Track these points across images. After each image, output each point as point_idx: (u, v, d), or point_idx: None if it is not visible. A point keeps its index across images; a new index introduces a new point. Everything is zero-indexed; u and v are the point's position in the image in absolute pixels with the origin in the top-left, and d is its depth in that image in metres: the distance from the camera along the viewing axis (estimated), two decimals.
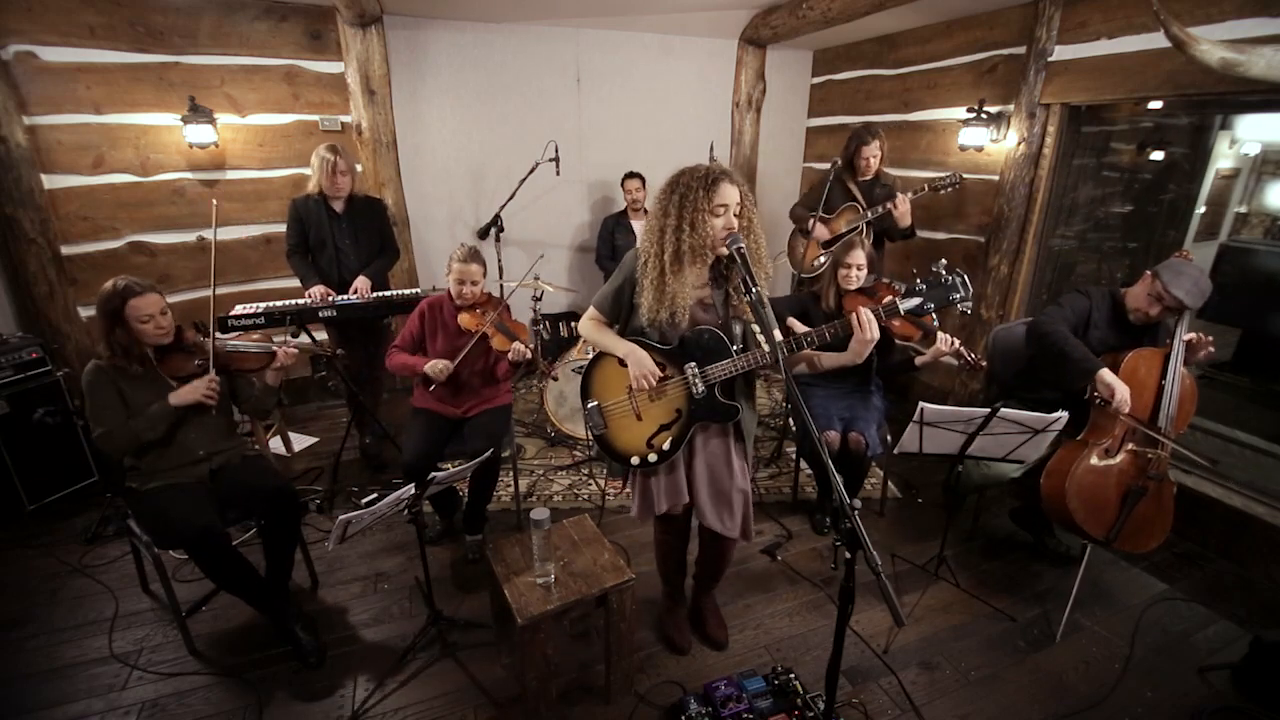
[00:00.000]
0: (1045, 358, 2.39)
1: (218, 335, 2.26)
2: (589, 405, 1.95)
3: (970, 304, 1.92)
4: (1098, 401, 2.21)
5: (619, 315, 1.93)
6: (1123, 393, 2.15)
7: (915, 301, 1.67)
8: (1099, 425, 2.28)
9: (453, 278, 2.62)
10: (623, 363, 1.87)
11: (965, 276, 1.68)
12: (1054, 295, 3.60)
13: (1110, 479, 2.23)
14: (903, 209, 3.23)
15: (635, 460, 1.89)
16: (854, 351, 1.76)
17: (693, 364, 1.80)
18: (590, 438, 3.42)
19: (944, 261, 1.78)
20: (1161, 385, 2.21)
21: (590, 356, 2.00)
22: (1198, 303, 2.18)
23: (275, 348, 2.34)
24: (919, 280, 1.72)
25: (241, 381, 2.38)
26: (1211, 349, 2.23)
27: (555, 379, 3.49)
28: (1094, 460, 2.24)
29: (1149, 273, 2.28)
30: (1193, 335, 2.25)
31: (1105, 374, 2.19)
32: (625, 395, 1.90)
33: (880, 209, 3.29)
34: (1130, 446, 2.24)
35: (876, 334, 1.68)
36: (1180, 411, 2.22)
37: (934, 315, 1.72)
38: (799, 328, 1.84)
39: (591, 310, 1.97)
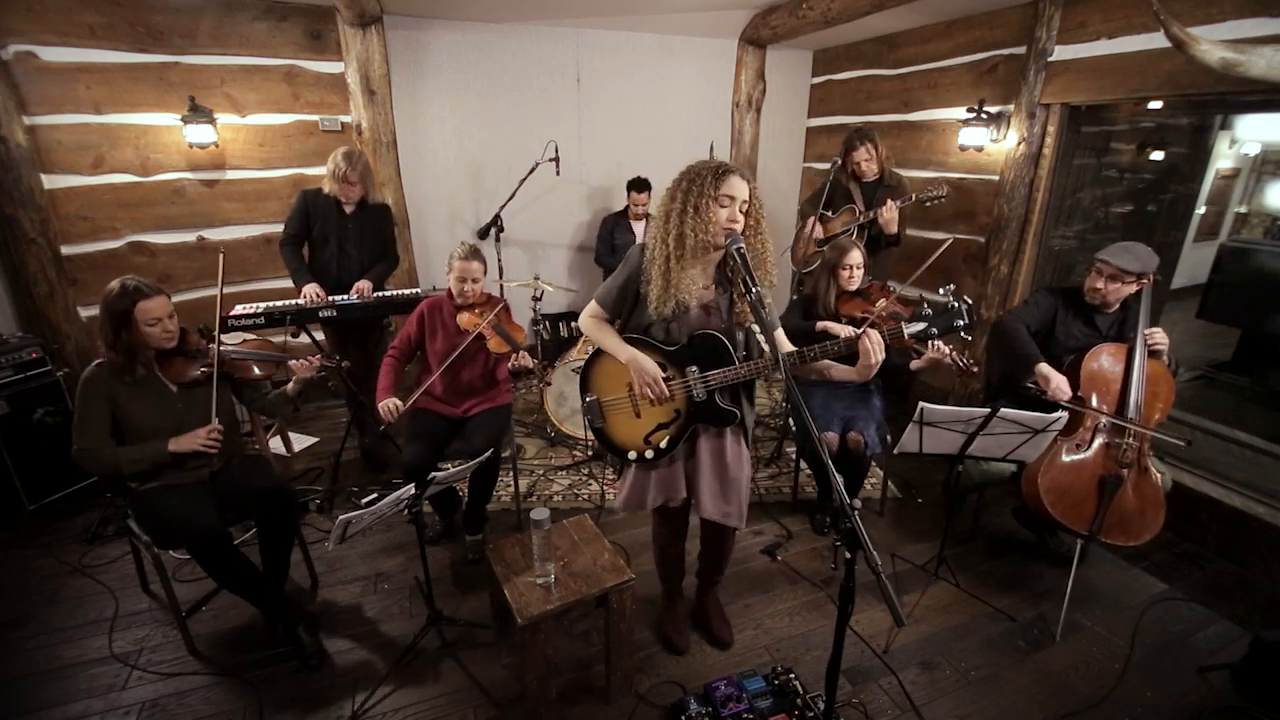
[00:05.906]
0: (1003, 356, 2.58)
1: (222, 341, 2.24)
2: (588, 399, 1.95)
3: (972, 333, 1.99)
4: (1034, 392, 2.36)
5: (621, 311, 1.91)
6: (1058, 382, 2.35)
7: (920, 326, 1.69)
8: (1069, 422, 2.32)
9: (454, 275, 2.63)
10: None
11: (970, 304, 1.69)
12: None
13: (1085, 473, 2.29)
14: (888, 216, 3.23)
15: (632, 455, 1.90)
16: (860, 371, 1.73)
17: (694, 368, 1.79)
18: (588, 429, 3.46)
19: (952, 286, 1.83)
20: (1127, 376, 2.31)
21: (591, 356, 1.99)
22: (1135, 265, 2.33)
23: (290, 360, 2.31)
24: (925, 305, 1.75)
25: (247, 388, 2.37)
26: (1161, 343, 2.39)
27: (549, 384, 3.50)
28: (1065, 457, 2.31)
29: (1093, 259, 2.47)
30: (1155, 329, 2.40)
31: (1042, 367, 2.40)
32: (625, 392, 1.90)
33: (872, 213, 3.30)
34: (1102, 439, 2.32)
35: (882, 357, 1.67)
36: (1153, 400, 2.32)
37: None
38: (836, 329, 1.84)
39: (593, 306, 1.93)
